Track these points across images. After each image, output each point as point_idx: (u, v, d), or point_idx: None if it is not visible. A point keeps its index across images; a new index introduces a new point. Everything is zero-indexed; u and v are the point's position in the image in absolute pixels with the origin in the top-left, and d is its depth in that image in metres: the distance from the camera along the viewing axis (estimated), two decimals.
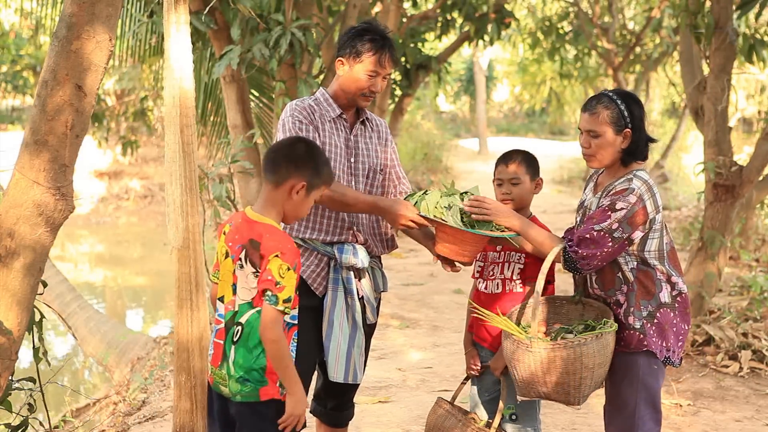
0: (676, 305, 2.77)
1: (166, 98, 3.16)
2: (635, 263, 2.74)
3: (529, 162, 3.07)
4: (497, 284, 3.07)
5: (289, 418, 2.44)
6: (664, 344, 2.75)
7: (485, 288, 3.09)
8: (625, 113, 2.76)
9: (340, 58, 2.98)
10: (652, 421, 2.78)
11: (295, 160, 2.48)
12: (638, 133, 2.77)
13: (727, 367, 5.17)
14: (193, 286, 3.29)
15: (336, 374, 2.94)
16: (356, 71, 2.94)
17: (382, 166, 3.13)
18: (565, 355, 2.60)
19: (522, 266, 3.03)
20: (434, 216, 2.79)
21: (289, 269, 2.37)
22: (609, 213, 2.67)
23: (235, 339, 2.46)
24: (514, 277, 3.04)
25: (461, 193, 2.89)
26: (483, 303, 3.06)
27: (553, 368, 2.62)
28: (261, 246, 2.40)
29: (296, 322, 2.55)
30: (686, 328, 2.80)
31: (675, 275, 2.78)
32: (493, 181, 3.12)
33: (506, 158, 3.07)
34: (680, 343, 2.79)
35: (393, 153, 3.19)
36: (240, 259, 2.45)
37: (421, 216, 2.82)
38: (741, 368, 5.13)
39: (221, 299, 2.54)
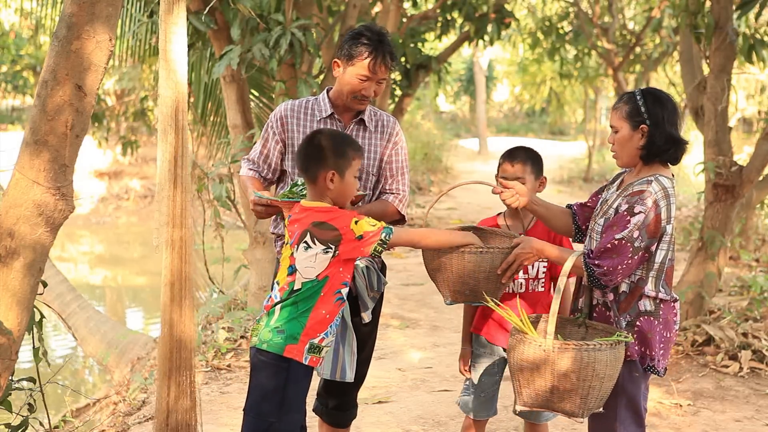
0: (660, 312, 2.71)
1: (160, 100, 3.15)
2: (638, 275, 2.69)
3: (534, 160, 3.04)
4: (520, 284, 3.03)
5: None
6: (647, 352, 2.69)
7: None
8: (642, 109, 2.69)
9: (335, 60, 2.98)
10: (634, 425, 2.75)
11: (316, 156, 2.63)
12: (656, 131, 2.68)
13: (727, 367, 5.17)
14: (185, 284, 3.28)
15: (323, 371, 2.93)
16: (348, 74, 2.92)
17: (378, 168, 3.08)
18: (578, 357, 2.46)
19: (546, 264, 3.02)
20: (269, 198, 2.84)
21: (369, 219, 2.61)
22: (628, 218, 2.61)
23: (285, 300, 2.61)
24: (539, 276, 3.01)
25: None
26: (504, 303, 3.02)
27: (564, 371, 2.48)
28: (332, 222, 2.57)
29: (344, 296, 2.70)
30: (669, 335, 2.73)
31: (664, 293, 2.72)
32: (496, 177, 3.09)
33: (510, 156, 3.04)
34: (663, 351, 2.72)
35: (394, 151, 3.11)
36: (304, 243, 2.60)
37: (259, 197, 2.84)
38: (741, 368, 5.13)
39: (277, 283, 2.70)
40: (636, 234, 2.59)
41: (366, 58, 2.89)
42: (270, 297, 2.72)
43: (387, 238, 2.60)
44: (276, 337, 2.60)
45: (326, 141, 2.64)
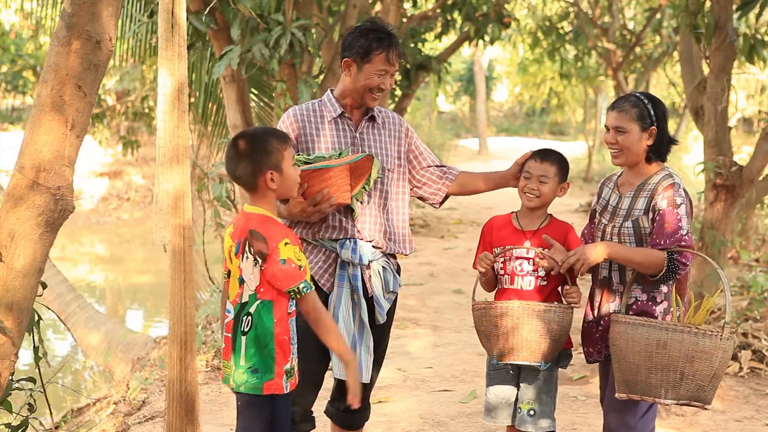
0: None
1: (159, 99, 3.15)
2: None
3: (562, 164, 3.04)
4: (529, 281, 2.99)
5: (352, 389, 2.55)
6: None
7: (511, 283, 3.00)
8: (651, 112, 2.86)
9: (347, 59, 2.98)
10: (650, 415, 2.88)
11: (247, 161, 2.50)
12: (662, 133, 2.88)
13: (727, 367, 5.16)
14: (185, 284, 3.28)
15: (339, 371, 2.92)
16: (365, 71, 2.95)
17: (392, 165, 3.09)
18: (694, 341, 2.63)
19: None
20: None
21: (300, 251, 2.51)
22: (676, 211, 2.75)
23: (245, 329, 2.51)
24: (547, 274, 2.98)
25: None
26: (509, 298, 2.99)
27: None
28: (265, 235, 2.45)
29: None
30: None
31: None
32: (521, 172, 3.07)
33: (541, 154, 3.03)
34: None
35: (413, 142, 3.17)
36: (244, 251, 2.50)
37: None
38: (741, 368, 5.13)
39: (228, 297, 2.59)
40: (690, 225, 2.78)
41: (381, 52, 2.93)
42: (224, 313, 2.62)
43: (305, 289, 2.47)
44: (251, 378, 2.49)
45: (250, 143, 2.51)
